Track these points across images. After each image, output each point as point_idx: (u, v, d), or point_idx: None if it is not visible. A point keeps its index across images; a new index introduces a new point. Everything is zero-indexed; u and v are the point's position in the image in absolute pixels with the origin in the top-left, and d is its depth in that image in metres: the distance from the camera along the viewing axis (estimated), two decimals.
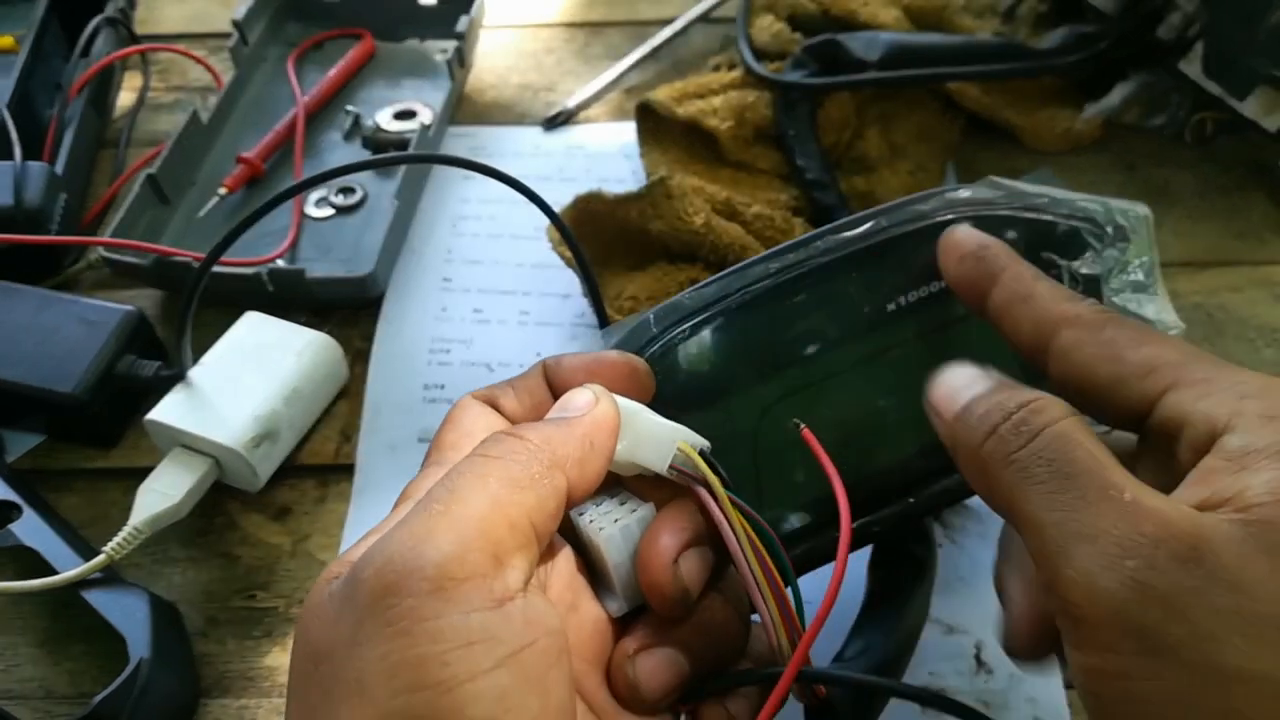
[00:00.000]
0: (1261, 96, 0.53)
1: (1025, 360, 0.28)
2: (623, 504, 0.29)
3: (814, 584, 0.33)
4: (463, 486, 0.25)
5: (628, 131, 0.60)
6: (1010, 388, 0.26)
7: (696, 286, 0.33)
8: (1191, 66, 0.54)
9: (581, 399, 0.28)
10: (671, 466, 0.28)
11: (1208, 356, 0.25)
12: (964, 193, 0.33)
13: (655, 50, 0.66)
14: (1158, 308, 0.33)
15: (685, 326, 0.32)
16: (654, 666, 0.27)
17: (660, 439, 0.29)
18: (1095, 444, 0.24)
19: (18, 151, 0.53)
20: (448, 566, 0.23)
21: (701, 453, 0.28)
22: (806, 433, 0.29)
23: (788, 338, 0.33)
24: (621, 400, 0.29)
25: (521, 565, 0.24)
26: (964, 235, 0.31)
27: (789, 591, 0.27)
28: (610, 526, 0.28)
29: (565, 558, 0.28)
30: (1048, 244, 0.33)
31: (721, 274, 0.33)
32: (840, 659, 0.35)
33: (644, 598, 0.28)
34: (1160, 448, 0.25)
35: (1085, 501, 0.22)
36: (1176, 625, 0.21)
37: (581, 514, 0.29)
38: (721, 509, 0.27)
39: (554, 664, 0.24)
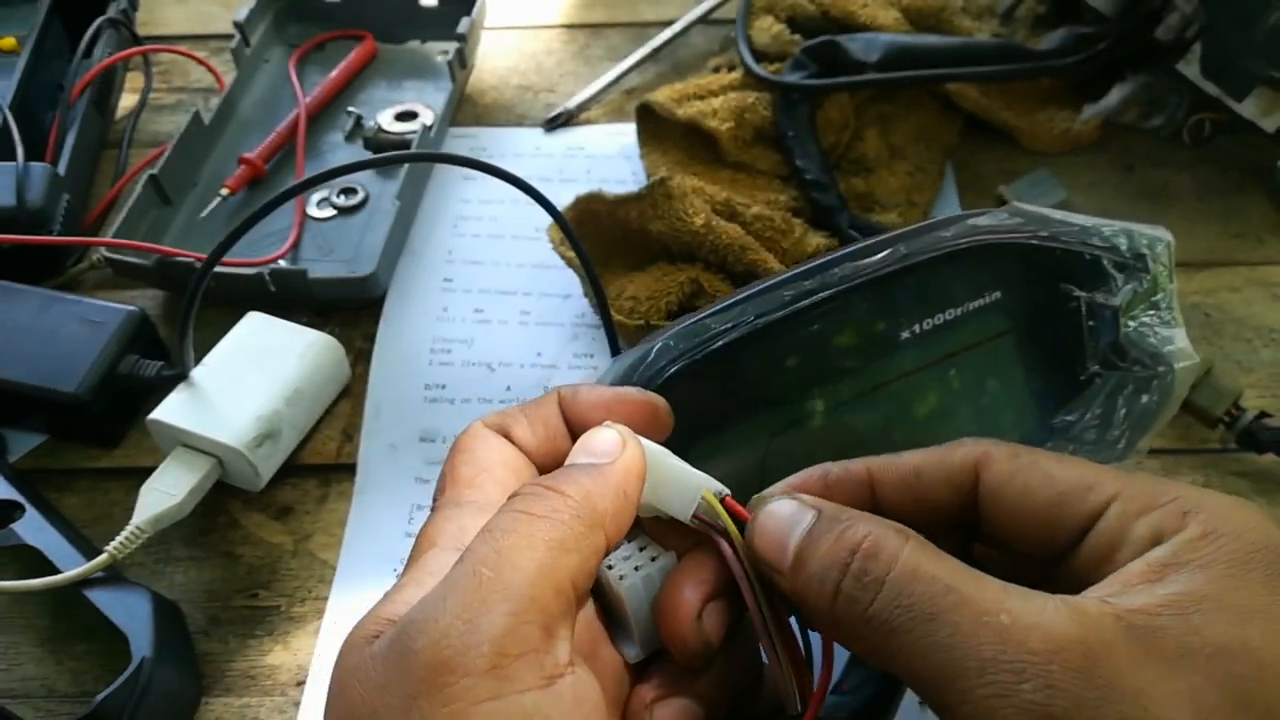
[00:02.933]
0: (1259, 97, 0.53)
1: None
2: (642, 549, 0.28)
3: None
4: (510, 549, 0.24)
5: (628, 132, 0.60)
6: (833, 523, 0.25)
7: (709, 312, 0.32)
8: (1190, 67, 0.54)
9: (608, 443, 0.27)
10: (694, 515, 0.28)
11: (1142, 473, 0.25)
12: (985, 219, 0.33)
13: (655, 51, 0.66)
14: (1176, 337, 0.32)
15: (699, 353, 0.31)
16: (670, 717, 0.27)
17: (684, 486, 0.28)
18: (948, 566, 0.23)
19: (20, 152, 0.54)
20: (503, 642, 0.22)
21: (720, 499, 0.28)
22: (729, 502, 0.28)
23: (801, 365, 0.32)
24: (645, 443, 0.28)
25: (567, 635, 0.24)
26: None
27: (795, 629, 0.27)
28: (631, 575, 0.27)
29: (586, 604, 0.28)
30: (1067, 275, 0.33)
31: (734, 300, 0.32)
32: (838, 690, 0.35)
33: (661, 644, 0.27)
34: (1090, 559, 0.25)
35: (961, 635, 0.21)
36: None
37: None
38: (740, 562, 0.27)
39: None
